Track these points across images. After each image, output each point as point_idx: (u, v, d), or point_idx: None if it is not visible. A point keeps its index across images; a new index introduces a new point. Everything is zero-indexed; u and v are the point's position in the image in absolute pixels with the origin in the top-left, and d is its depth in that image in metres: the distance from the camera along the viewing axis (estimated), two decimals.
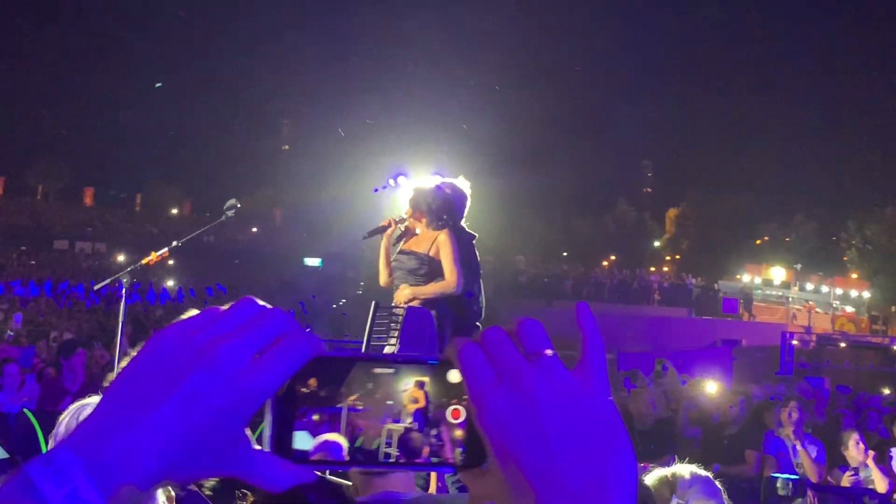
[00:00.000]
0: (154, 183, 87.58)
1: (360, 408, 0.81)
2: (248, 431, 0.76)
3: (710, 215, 78.08)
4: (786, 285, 50.99)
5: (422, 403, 0.81)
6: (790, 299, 46.46)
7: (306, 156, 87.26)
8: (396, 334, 5.59)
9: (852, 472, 7.50)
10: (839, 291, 50.36)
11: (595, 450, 0.75)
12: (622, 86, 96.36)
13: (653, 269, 64.25)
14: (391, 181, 8.21)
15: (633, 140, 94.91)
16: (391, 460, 0.81)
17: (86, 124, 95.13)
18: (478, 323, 6.14)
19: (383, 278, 6.20)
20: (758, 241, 76.56)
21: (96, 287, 6.50)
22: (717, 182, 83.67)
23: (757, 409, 9.04)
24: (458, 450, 0.81)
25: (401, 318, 5.60)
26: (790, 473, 7.53)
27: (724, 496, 2.61)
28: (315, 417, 0.80)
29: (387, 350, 5.70)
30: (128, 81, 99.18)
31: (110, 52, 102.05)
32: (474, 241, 6.21)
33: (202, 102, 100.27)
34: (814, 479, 7.69)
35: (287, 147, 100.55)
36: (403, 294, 5.90)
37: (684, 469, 2.61)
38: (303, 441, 0.80)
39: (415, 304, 5.81)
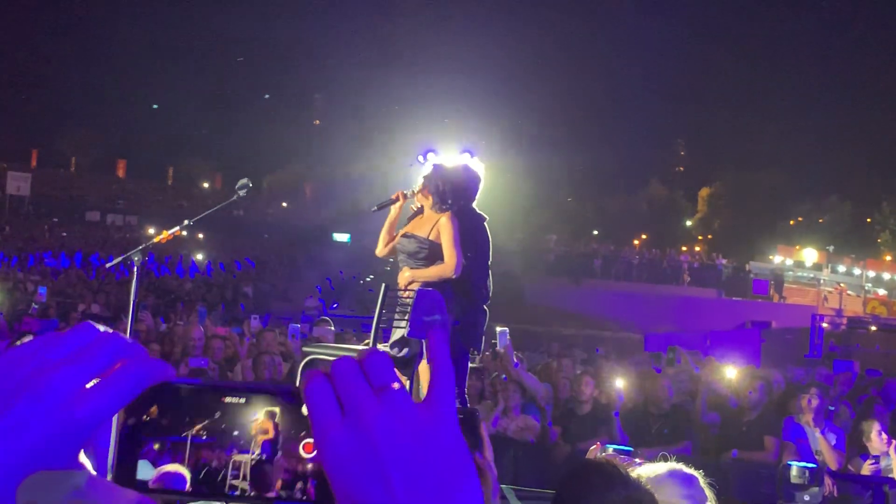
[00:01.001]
0: (186, 156, 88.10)
1: (205, 437, 0.78)
2: (84, 459, 0.73)
3: (743, 195, 77.39)
4: (818, 267, 50.55)
5: (271, 435, 0.79)
6: (822, 281, 46.09)
7: (337, 131, 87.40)
8: (406, 317, 5.58)
9: (873, 461, 7.41)
10: (871, 274, 49.87)
11: (438, 488, 0.72)
12: (656, 63, 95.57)
13: (684, 248, 63.84)
14: (420, 158, 8.17)
15: (667, 118, 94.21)
16: (238, 493, 0.78)
17: (118, 96, 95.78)
18: (485, 307, 6.11)
19: (380, 248, 6.25)
20: (791, 222, 75.88)
21: (108, 265, 6.51)
22: (751, 162, 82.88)
23: (783, 396, 8.94)
24: (310, 485, 0.78)
25: (411, 300, 5.58)
26: (809, 461, 7.44)
27: (708, 492, 2.53)
28: (157, 447, 0.78)
29: (396, 333, 5.68)
30: (161, 54, 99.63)
31: (142, 25, 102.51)
32: (486, 223, 6.16)
33: (234, 77, 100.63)
34: (833, 466, 7.60)
35: (318, 122, 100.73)
36: (404, 277, 5.93)
37: (661, 468, 2.55)
38: (146, 470, 0.78)
39: (414, 286, 5.80)
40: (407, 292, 5.83)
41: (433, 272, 5.83)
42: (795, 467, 6.53)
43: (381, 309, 5.65)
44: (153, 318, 14.49)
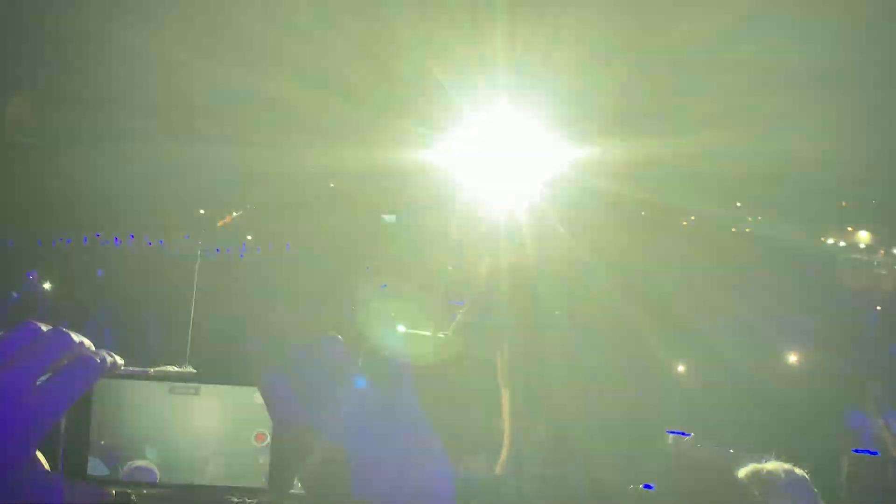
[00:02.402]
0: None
1: (157, 431, 0.79)
2: (39, 455, 0.74)
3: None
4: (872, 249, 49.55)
5: (224, 426, 0.79)
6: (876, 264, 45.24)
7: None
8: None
9: None
10: None
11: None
12: (696, 44, 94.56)
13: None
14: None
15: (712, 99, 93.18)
16: (197, 483, 0.79)
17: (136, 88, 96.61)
18: None
19: None
20: (843, 204, 74.58)
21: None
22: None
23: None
24: (263, 473, 0.79)
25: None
26: (871, 448, 7.34)
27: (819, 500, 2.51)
28: (107, 441, 0.78)
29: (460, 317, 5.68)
30: (178, 45, 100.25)
31: (153, 19, 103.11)
32: None
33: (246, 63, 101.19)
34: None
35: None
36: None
37: (778, 468, 2.52)
38: (96, 466, 0.78)
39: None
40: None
41: None
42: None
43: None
44: None
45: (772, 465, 2.54)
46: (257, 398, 0.77)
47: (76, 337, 0.76)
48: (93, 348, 0.77)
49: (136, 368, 0.80)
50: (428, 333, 5.68)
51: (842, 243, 51.04)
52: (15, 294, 9.98)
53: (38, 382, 0.74)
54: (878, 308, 28.75)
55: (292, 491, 0.78)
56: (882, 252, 47.94)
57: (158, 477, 0.79)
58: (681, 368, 8.49)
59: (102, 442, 0.78)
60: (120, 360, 0.77)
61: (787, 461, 2.59)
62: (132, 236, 36.60)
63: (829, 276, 40.76)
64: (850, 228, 56.54)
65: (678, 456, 2.84)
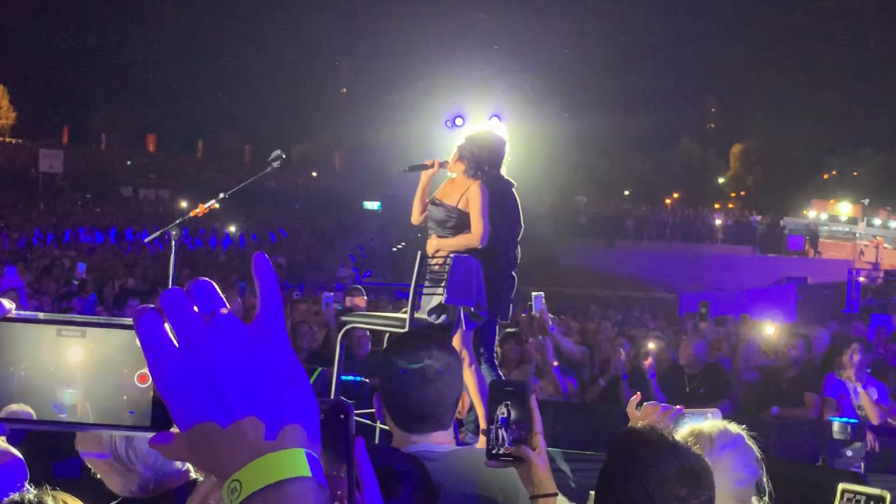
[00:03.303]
0: (215, 129, 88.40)
1: (35, 370, 0.81)
2: None
3: (776, 150, 76.60)
4: (853, 221, 50.04)
5: (109, 367, 0.81)
6: (857, 235, 45.63)
7: (364, 98, 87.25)
8: (443, 283, 5.57)
9: None
10: None
11: (272, 396, 0.77)
12: (685, 19, 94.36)
13: (717, 206, 63.38)
14: (448, 123, 8.12)
15: (697, 75, 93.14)
16: (80, 421, 0.82)
17: (146, 71, 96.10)
18: (513, 273, 6.09)
19: (415, 216, 6.20)
20: (825, 176, 75.09)
21: (147, 240, 6.58)
22: (783, 116, 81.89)
23: (829, 353, 8.89)
24: (146, 412, 0.82)
25: (447, 267, 5.57)
26: (851, 416, 7.40)
27: (753, 447, 2.51)
28: None
29: (434, 301, 5.68)
30: (186, 27, 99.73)
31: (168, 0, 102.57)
32: (514, 188, 6.13)
33: (260, 47, 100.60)
34: (875, 421, 7.54)
35: (345, 90, 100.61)
36: (431, 245, 5.90)
37: (713, 427, 2.52)
38: None
39: (441, 254, 5.79)
40: (435, 260, 5.82)
41: (459, 242, 5.81)
42: (837, 423, 6.51)
43: (417, 277, 5.64)
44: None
45: (707, 426, 2.54)
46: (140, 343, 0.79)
47: None
48: None
49: (27, 313, 0.82)
50: (404, 315, 5.70)
51: (823, 215, 51.41)
52: None
53: None
54: (862, 279, 29.02)
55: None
56: (863, 223, 48.35)
57: (36, 416, 0.81)
58: (651, 346, 8.49)
59: None
60: (10, 305, 0.80)
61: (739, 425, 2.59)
62: (114, 231, 36.60)
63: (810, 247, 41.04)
64: (831, 201, 56.81)
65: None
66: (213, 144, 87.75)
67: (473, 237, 5.76)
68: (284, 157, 6.07)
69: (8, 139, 76.79)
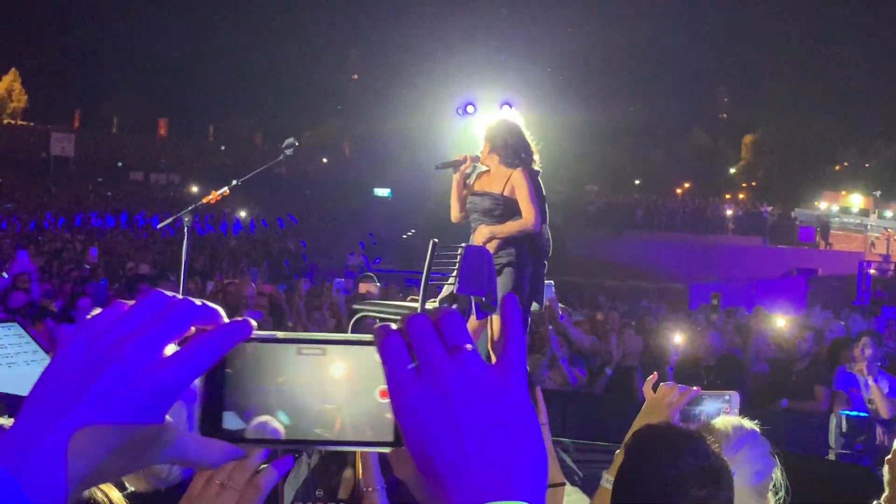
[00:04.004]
0: (226, 114, 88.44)
1: (287, 388, 0.82)
2: (168, 418, 0.76)
3: (788, 141, 76.28)
4: (864, 212, 49.86)
5: (348, 384, 0.82)
6: (868, 227, 45.45)
7: (375, 86, 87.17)
8: (455, 273, 5.57)
9: None
10: None
11: (505, 445, 0.76)
12: (698, 8, 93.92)
13: (727, 196, 63.21)
14: (459, 110, 8.11)
15: (709, 65, 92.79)
16: (321, 439, 0.83)
17: (158, 57, 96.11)
18: (545, 261, 6.08)
19: (454, 214, 6.15)
20: (836, 168, 74.80)
21: (159, 226, 6.59)
22: (795, 107, 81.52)
23: (834, 345, 8.85)
24: (385, 430, 0.82)
25: (459, 257, 5.56)
26: (861, 409, 7.38)
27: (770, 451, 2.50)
28: (242, 399, 0.81)
29: (446, 289, 5.68)
30: (199, 13, 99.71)
31: None
32: (540, 177, 6.13)
33: (271, 33, 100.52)
34: (885, 415, 7.53)
35: (356, 77, 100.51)
36: (482, 234, 5.83)
37: (727, 423, 2.51)
38: (231, 421, 0.81)
39: (493, 243, 5.76)
40: (489, 246, 5.78)
41: (514, 227, 5.77)
42: (846, 416, 6.49)
43: (429, 266, 5.63)
44: (200, 277, 14.66)
45: (721, 422, 2.54)
46: (379, 357, 0.80)
47: (204, 305, 0.79)
48: (224, 318, 0.80)
49: (267, 333, 0.82)
50: (415, 305, 5.70)
51: (834, 206, 51.24)
52: (5, 275, 9.97)
53: (166, 352, 0.76)
54: (872, 271, 28.93)
55: None
56: (874, 215, 48.15)
57: (284, 434, 0.82)
58: (677, 339, 8.49)
59: (236, 403, 0.81)
60: (254, 323, 0.80)
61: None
62: (125, 215, 36.70)
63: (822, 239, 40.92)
64: (843, 192, 56.59)
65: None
66: (224, 130, 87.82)
67: (527, 222, 5.75)
68: (297, 144, 6.08)
69: (20, 122, 76.99)
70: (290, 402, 0.82)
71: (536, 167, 6.09)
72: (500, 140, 5.92)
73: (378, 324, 0.80)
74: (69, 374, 0.75)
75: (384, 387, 0.80)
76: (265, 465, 1.43)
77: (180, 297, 0.79)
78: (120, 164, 63.10)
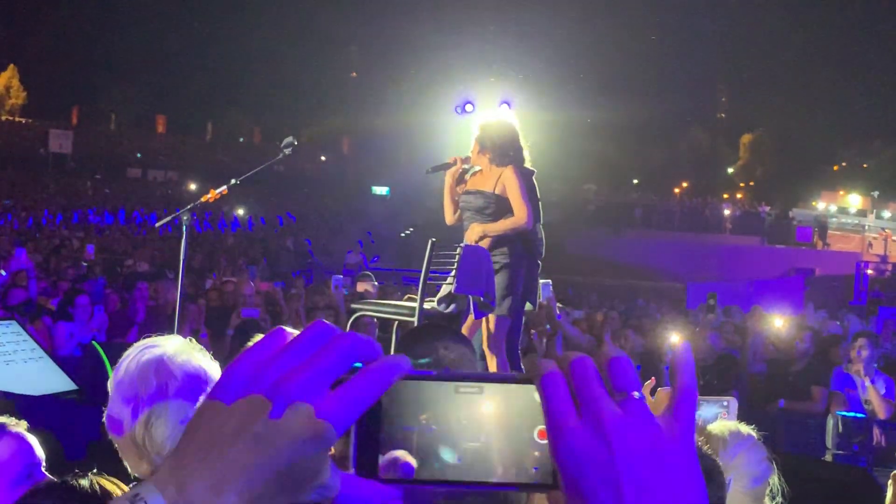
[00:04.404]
0: (224, 111, 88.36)
1: (444, 427, 0.79)
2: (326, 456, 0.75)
3: (786, 141, 76.32)
4: (862, 213, 49.93)
5: (506, 423, 0.80)
6: (866, 227, 45.50)
7: (374, 83, 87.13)
8: (454, 272, 5.58)
9: None
10: None
11: (669, 495, 0.73)
12: (696, 6, 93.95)
13: (726, 196, 63.25)
14: (458, 109, 8.13)
15: (708, 64, 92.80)
16: (465, 479, 0.80)
17: (156, 53, 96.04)
18: (539, 261, 6.10)
19: (449, 216, 6.17)
20: (835, 168, 74.86)
21: (158, 224, 6.60)
22: (794, 107, 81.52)
23: (824, 343, 8.88)
24: (535, 470, 0.79)
25: (457, 256, 5.57)
26: (858, 410, 7.40)
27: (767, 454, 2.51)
28: (398, 438, 0.79)
29: (444, 289, 5.69)
30: (196, 9, 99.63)
31: None
32: (534, 177, 6.14)
33: (269, 30, 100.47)
34: (882, 415, 7.55)
35: (355, 74, 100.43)
36: (475, 232, 5.85)
37: (724, 429, 2.52)
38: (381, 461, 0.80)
39: (485, 242, 5.78)
40: (481, 243, 5.81)
41: (506, 225, 5.79)
42: (843, 417, 6.50)
43: (428, 265, 5.64)
44: (197, 275, 14.66)
45: (718, 427, 2.55)
46: (537, 396, 0.78)
47: (366, 340, 0.76)
48: (380, 351, 0.77)
49: (423, 371, 0.81)
50: (413, 304, 5.70)
51: (832, 207, 51.28)
52: (2, 272, 9.97)
53: (332, 388, 0.74)
54: (870, 272, 28.98)
55: None
56: (872, 215, 48.20)
57: (441, 474, 0.80)
58: (674, 338, 8.50)
59: (391, 441, 0.79)
60: (407, 364, 0.77)
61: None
62: (123, 213, 36.67)
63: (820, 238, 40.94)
64: (841, 192, 56.62)
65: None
66: (223, 127, 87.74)
67: (519, 219, 5.76)
68: (296, 143, 6.09)
69: (18, 119, 76.89)
70: (447, 441, 0.79)
71: (528, 166, 6.10)
72: (488, 140, 5.94)
73: (538, 359, 0.78)
74: (231, 409, 0.73)
75: (543, 427, 0.78)
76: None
77: (343, 331, 0.77)
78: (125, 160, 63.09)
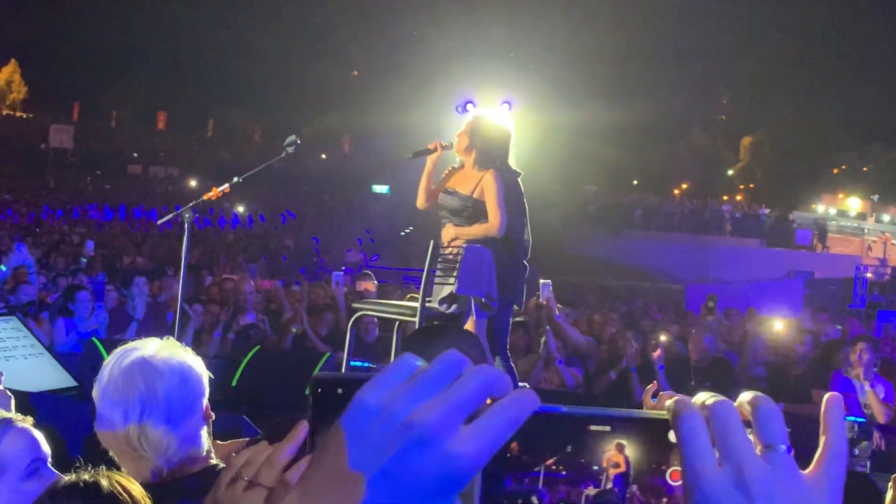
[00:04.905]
0: (225, 109, 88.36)
1: (562, 472, 0.76)
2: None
3: (787, 143, 76.32)
4: (862, 216, 49.89)
5: (622, 468, 0.76)
6: (866, 231, 45.47)
7: (375, 82, 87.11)
8: (455, 273, 5.58)
9: None
10: None
11: None
12: (697, 8, 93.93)
13: (725, 198, 63.23)
14: (458, 108, 8.11)
15: (709, 66, 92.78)
16: None
17: (157, 49, 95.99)
18: (525, 261, 6.08)
19: (420, 200, 6.19)
20: (835, 171, 74.83)
21: (160, 221, 6.60)
22: (794, 110, 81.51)
23: (826, 348, 8.88)
24: None
25: (459, 257, 5.57)
26: (858, 415, 7.40)
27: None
28: (518, 479, 0.75)
29: (445, 290, 5.68)
30: (197, 6, 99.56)
31: None
32: (520, 179, 6.13)
33: (271, 27, 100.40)
34: (882, 420, 7.55)
35: (356, 73, 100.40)
36: (448, 233, 5.91)
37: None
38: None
39: (457, 243, 5.80)
40: (450, 248, 5.82)
41: (478, 230, 5.81)
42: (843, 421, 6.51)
43: (430, 266, 5.64)
44: (196, 272, 14.64)
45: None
46: (671, 435, 0.74)
47: (499, 373, 0.72)
48: (511, 385, 0.73)
49: (552, 406, 0.76)
50: (415, 304, 5.70)
51: (832, 210, 51.29)
52: (3, 267, 9.96)
53: (464, 426, 0.69)
54: (869, 275, 28.98)
55: None
56: (871, 219, 48.21)
57: None
58: (662, 338, 8.48)
59: (518, 479, 0.76)
60: (537, 399, 0.72)
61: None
62: (123, 209, 36.66)
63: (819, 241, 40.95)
64: (840, 195, 56.62)
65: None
66: (223, 124, 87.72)
67: (492, 226, 5.76)
68: (299, 143, 6.10)
69: (19, 114, 76.86)
70: (576, 483, 0.76)
71: (515, 168, 6.09)
72: (480, 138, 5.93)
73: (677, 398, 0.74)
74: (362, 442, 0.69)
75: (676, 469, 0.75)
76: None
77: (473, 364, 0.73)
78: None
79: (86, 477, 2.08)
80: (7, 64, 79.51)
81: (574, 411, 0.77)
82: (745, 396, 0.75)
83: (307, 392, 0.86)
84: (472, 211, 5.85)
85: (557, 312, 9.08)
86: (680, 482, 0.74)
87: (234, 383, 6.76)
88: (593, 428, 0.76)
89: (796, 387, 8.13)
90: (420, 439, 0.68)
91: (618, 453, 0.76)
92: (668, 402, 0.75)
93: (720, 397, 0.74)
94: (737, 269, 33.44)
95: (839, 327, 13.38)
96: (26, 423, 2.44)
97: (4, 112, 76.06)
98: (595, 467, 0.76)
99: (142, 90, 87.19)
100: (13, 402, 2.95)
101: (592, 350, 9.38)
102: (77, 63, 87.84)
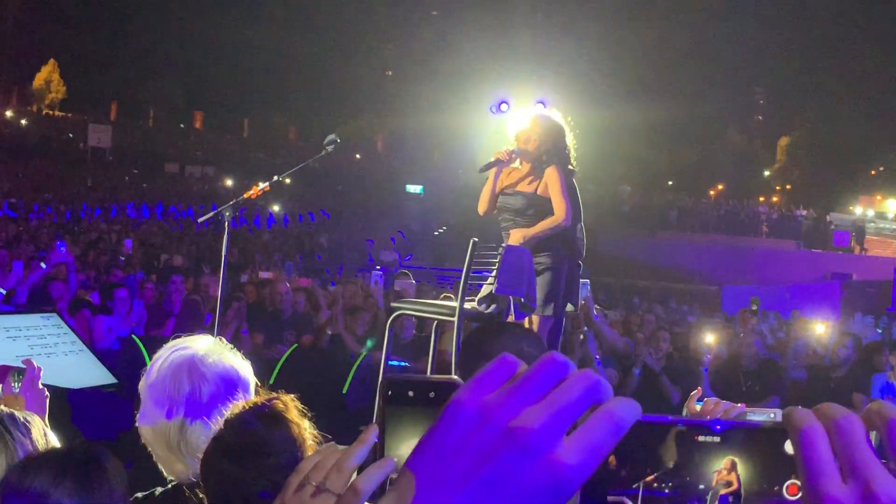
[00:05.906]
0: (261, 108, 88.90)
1: (663, 490, 0.72)
2: None
3: (824, 144, 75.57)
4: None
5: (734, 487, 0.72)
6: None
7: (409, 82, 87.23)
8: (494, 273, 5.54)
9: None
10: None
11: None
12: (734, 7, 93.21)
13: (762, 199, 62.74)
14: (493, 108, 8.08)
15: (746, 66, 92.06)
16: None
17: (195, 49, 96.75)
18: (580, 262, 6.04)
19: (482, 207, 6.10)
20: (872, 172, 73.99)
21: (200, 219, 6.65)
22: (832, 109, 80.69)
23: (866, 350, 8.77)
24: None
25: (499, 256, 5.54)
26: None
27: None
28: (625, 486, 0.72)
29: (485, 289, 5.65)
30: (235, 6, 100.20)
31: None
32: (574, 179, 6.09)
33: (307, 29, 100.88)
34: None
35: (390, 73, 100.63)
36: (515, 240, 5.74)
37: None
38: None
39: (531, 244, 5.72)
40: (497, 248, 5.77)
41: (546, 225, 5.74)
42: None
43: (469, 265, 5.60)
44: (233, 270, 14.72)
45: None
46: (788, 446, 0.70)
47: (600, 380, 0.68)
48: (611, 392, 0.68)
49: (657, 416, 0.73)
50: (453, 303, 5.68)
51: (870, 211, 50.73)
52: (43, 265, 10.07)
53: (567, 435, 0.65)
54: None
55: None
56: None
57: None
58: (709, 339, 8.42)
59: (618, 491, 0.72)
60: (640, 408, 0.68)
61: None
62: (160, 207, 36.98)
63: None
64: (878, 197, 56.00)
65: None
66: (259, 124, 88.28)
67: (558, 217, 5.71)
68: (338, 140, 6.12)
69: (57, 113, 77.75)
70: (681, 498, 0.72)
71: (572, 167, 6.05)
72: (547, 136, 5.87)
73: (795, 409, 0.69)
74: (460, 449, 0.66)
75: (794, 482, 0.71)
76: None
77: (576, 368, 0.69)
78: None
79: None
80: (46, 64, 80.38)
81: (680, 420, 0.73)
82: (876, 406, 0.70)
83: (376, 395, 0.83)
84: (537, 209, 5.80)
85: (595, 313, 9.03)
86: (798, 496, 0.71)
87: (271, 381, 6.77)
88: (701, 439, 0.72)
89: (837, 390, 8.03)
90: (523, 447, 0.64)
91: (730, 472, 0.72)
92: (786, 412, 0.71)
93: (844, 410, 0.70)
94: (773, 271, 33.15)
95: (879, 330, 13.23)
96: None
97: (44, 112, 76.93)
98: (701, 486, 0.72)
99: (179, 90, 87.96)
100: (48, 399, 2.96)
101: (629, 350, 9.32)
102: (115, 63, 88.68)
